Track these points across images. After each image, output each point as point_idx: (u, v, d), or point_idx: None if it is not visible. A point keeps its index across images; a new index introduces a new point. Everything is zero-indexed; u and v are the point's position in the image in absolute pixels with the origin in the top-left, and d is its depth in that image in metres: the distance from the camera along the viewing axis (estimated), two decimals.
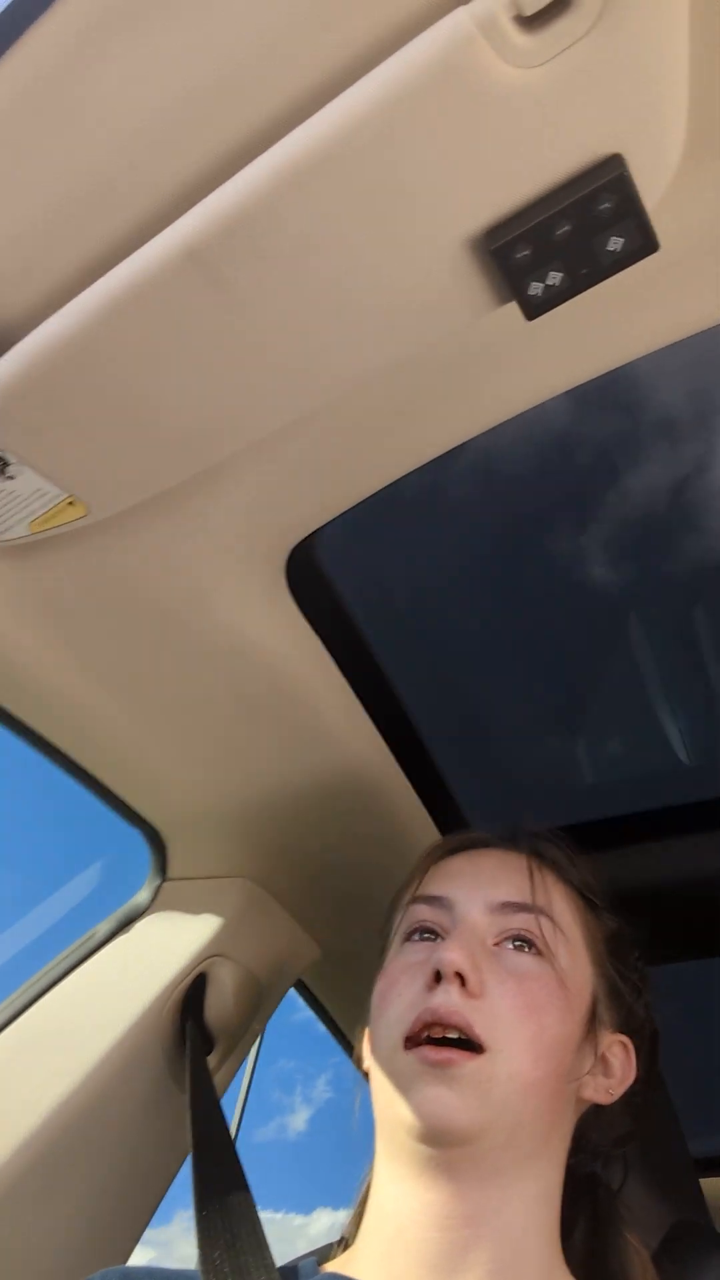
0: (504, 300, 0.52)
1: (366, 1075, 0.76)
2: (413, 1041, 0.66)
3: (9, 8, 0.48)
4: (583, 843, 0.81)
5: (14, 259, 0.56)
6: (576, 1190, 0.72)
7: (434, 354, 0.60)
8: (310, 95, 0.48)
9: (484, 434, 0.71)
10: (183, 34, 0.47)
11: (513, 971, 0.69)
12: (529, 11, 0.43)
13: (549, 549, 0.93)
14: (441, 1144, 0.63)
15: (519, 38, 0.44)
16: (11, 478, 0.67)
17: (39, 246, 0.55)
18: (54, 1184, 0.77)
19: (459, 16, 0.44)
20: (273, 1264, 0.67)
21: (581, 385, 0.62)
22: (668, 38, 0.45)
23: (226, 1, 0.46)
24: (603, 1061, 0.73)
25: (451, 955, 0.67)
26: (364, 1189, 0.79)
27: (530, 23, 0.44)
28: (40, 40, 0.49)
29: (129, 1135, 0.85)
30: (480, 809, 1.12)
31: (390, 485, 0.77)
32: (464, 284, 0.52)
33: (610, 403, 0.80)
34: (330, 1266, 0.68)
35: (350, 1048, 1.20)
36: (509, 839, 0.81)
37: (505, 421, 0.67)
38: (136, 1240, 0.84)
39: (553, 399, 0.67)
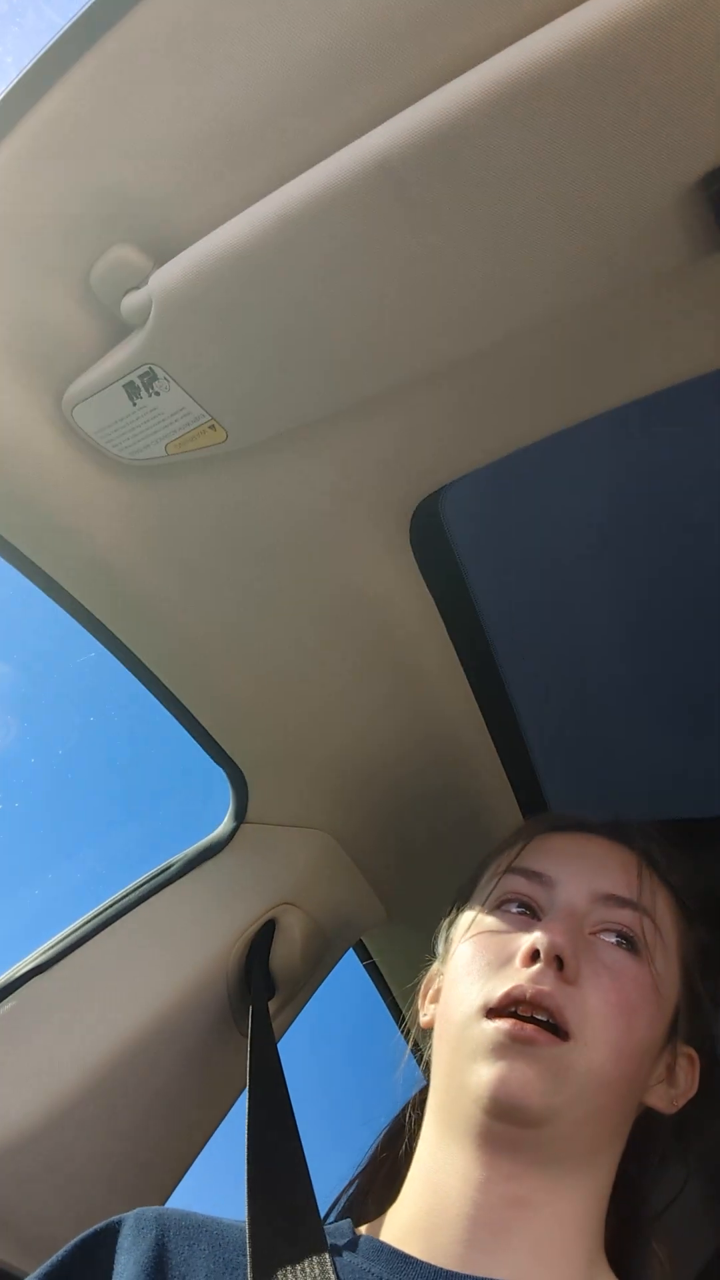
0: (712, 249, 0.49)
1: (417, 1035, 0.74)
2: (496, 1013, 0.64)
3: None
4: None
5: (200, 160, 0.55)
6: (613, 1193, 0.70)
7: (616, 302, 0.57)
8: (533, 12, 0.46)
9: (641, 401, 0.68)
10: None
11: (609, 966, 0.67)
12: None
13: (688, 538, 0.89)
14: (509, 1120, 0.62)
15: None
16: (158, 394, 0.66)
17: (226, 149, 0.54)
18: (113, 1106, 0.78)
19: None
20: (319, 1219, 0.66)
21: None
22: None
23: None
24: (669, 1071, 0.72)
25: (555, 938, 0.65)
26: (382, 1145, 0.78)
27: None
28: None
29: (187, 1068, 0.85)
30: (564, 800, 1.10)
31: (529, 446, 0.75)
32: (672, 228, 0.49)
33: None
34: (367, 1230, 0.67)
35: (401, 1016, 1.20)
36: (616, 830, 0.79)
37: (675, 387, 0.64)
38: (183, 1171, 0.85)
39: None
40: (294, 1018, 1.00)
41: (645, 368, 0.62)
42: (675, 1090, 0.72)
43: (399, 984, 1.20)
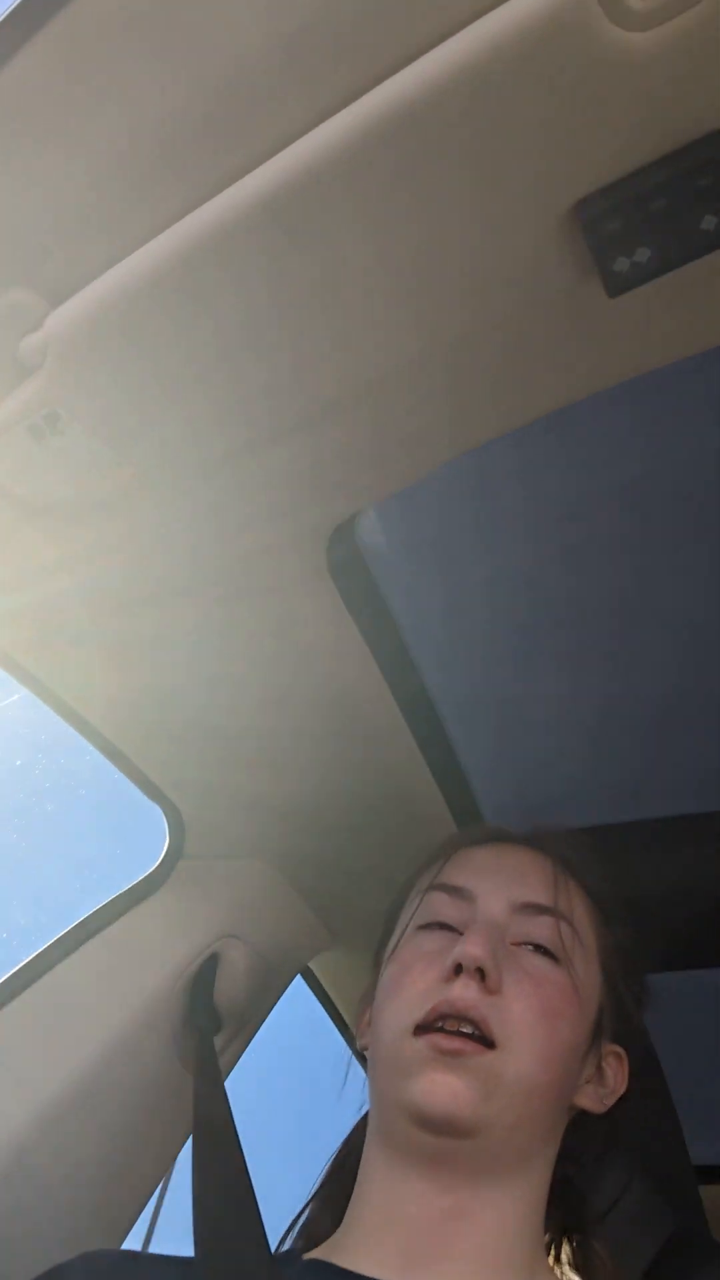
0: (586, 274, 0.51)
1: (362, 1057, 0.75)
2: (424, 1029, 0.65)
3: None
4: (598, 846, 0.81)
5: (94, 198, 0.55)
6: (551, 1194, 0.72)
7: (516, 326, 0.58)
8: (408, 46, 0.47)
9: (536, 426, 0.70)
10: None
11: (530, 973, 0.69)
12: None
13: (592, 553, 0.91)
14: (442, 1132, 0.63)
15: None
16: (63, 434, 0.66)
17: (121, 187, 0.54)
18: (59, 1155, 0.76)
19: None
20: (268, 1252, 0.66)
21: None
22: None
23: None
24: (597, 1071, 0.74)
25: (474, 950, 0.66)
26: (331, 1170, 0.79)
27: None
28: None
29: (134, 1111, 0.83)
30: (499, 813, 1.11)
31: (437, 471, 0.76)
32: (551, 255, 0.50)
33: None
34: (315, 1254, 0.67)
35: (353, 1039, 1.19)
36: (533, 839, 0.81)
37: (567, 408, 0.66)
38: (136, 1216, 0.83)
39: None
40: (243, 1049, 0.99)
41: (535, 392, 0.64)
42: (605, 1090, 0.74)
43: (349, 1007, 1.20)
